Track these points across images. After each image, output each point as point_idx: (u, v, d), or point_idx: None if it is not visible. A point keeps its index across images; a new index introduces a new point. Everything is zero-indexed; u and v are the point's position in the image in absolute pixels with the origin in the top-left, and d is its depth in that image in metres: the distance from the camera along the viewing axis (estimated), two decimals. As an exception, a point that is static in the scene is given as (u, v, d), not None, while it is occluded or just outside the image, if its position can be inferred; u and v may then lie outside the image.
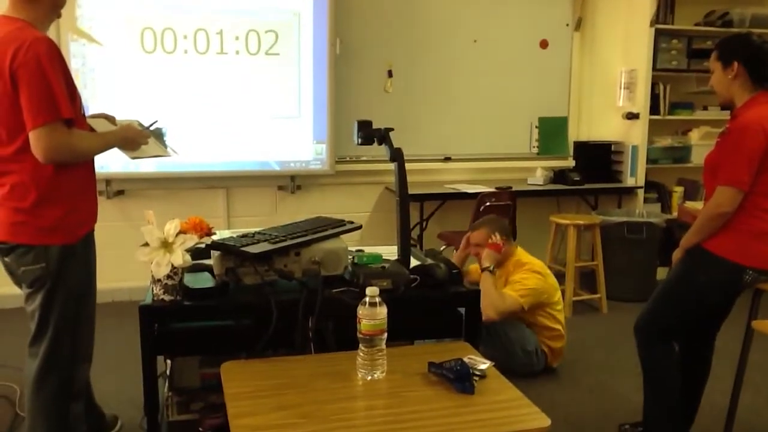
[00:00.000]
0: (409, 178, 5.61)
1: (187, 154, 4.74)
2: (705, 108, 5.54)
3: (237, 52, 4.76)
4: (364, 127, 2.12)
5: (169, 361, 2.06)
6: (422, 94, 5.32)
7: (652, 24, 5.14)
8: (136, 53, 4.59)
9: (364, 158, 5.17)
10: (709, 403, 2.89)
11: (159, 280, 1.80)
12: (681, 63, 5.34)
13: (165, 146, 2.59)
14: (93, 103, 4.54)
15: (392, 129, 2.11)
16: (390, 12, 5.19)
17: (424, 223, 5.10)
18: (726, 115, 5.56)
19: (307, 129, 4.97)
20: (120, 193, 4.86)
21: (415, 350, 1.84)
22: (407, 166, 5.43)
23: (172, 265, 1.74)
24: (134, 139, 2.42)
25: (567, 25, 5.59)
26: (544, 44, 5.53)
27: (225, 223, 5.07)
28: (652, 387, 2.75)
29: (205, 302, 1.85)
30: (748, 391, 2.87)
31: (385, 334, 1.65)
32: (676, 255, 2.66)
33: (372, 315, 1.62)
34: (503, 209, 4.72)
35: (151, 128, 2.55)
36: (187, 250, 1.80)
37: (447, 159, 5.44)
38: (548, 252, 4.89)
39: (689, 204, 5.22)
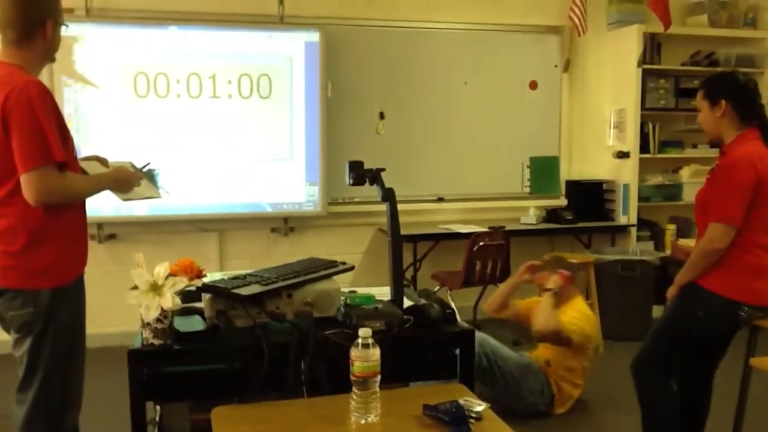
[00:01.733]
0: (403, 219, 5.59)
1: (179, 197, 4.75)
2: (694, 146, 5.59)
3: (230, 96, 4.79)
4: (356, 167, 2.12)
5: (158, 407, 2.01)
6: (414, 135, 5.36)
7: (639, 64, 5.22)
8: (129, 98, 4.63)
9: (357, 199, 5.18)
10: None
11: (148, 324, 1.77)
12: (669, 102, 5.41)
13: (157, 187, 2.58)
14: (86, 147, 4.54)
15: (384, 169, 2.12)
16: (381, 55, 5.25)
17: (418, 264, 5.08)
18: (716, 152, 5.60)
19: (299, 171, 4.98)
20: (112, 237, 4.84)
21: (409, 392, 1.81)
22: (400, 206, 5.44)
23: (162, 309, 1.72)
24: (127, 180, 2.41)
25: (555, 66, 5.66)
26: (533, 85, 5.60)
27: (217, 266, 5.05)
28: (651, 424, 2.71)
29: (196, 346, 1.82)
30: (748, 429, 2.83)
31: (379, 377, 1.62)
32: (671, 292, 2.65)
33: (365, 357, 1.59)
34: (497, 249, 4.71)
35: (144, 170, 2.55)
36: (177, 293, 1.78)
37: (440, 199, 5.45)
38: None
39: (682, 241, 5.22)
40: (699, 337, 2.58)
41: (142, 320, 1.79)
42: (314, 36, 4.88)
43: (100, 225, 4.75)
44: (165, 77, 4.68)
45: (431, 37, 5.34)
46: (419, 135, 5.37)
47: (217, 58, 4.74)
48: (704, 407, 2.79)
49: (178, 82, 4.70)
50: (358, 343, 1.60)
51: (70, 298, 2.15)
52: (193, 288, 1.94)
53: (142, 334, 1.82)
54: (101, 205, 4.58)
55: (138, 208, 4.65)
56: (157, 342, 1.79)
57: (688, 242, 4.93)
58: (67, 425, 2.23)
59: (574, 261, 4.70)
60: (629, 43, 5.25)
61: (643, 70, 5.25)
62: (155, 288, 1.72)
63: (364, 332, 1.60)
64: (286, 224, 5.10)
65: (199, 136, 4.76)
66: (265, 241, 5.16)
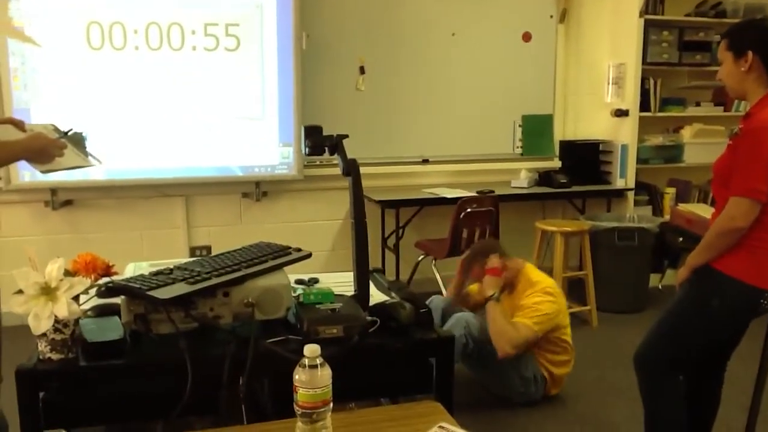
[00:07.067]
0: (384, 182, 5.20)
1: (142, 159, 4.36)
2: (698, 104, 5.23)
3: (193, 48, 4.35)
4: (313, 133, 1.75)
5: (64, 432, 1.68)
6: (397, 92, 4.95)
7: (641, 15, 4.82)
8: (81, 50, 4.18)
9: (336, 162, 4.76)
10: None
11: (44, 335, 1.41)
12: (672, 56, 5.01)
13: (85, 155, 2.19)
14: (35, 106, 4.15)
15: (346, 136, 1.75)
16: (361, 3, 4.81)
17: (401, 231, 4.73)
18: (720, 111, 5.25)
19: (272, 131, 4.58)
20: (68, 203, 4.45)
21: (371, 416, 1.47)
22: (381, 169, 4.98)
23: (56, 318, 1.36)
24: (44, 149, 2.01)
25: (551, 16, 5.24)
26: (527, 37, 5.18)
27: (185, 234, 4.68)
28: (656, 421, 2.40)
29: (108, 360, 1.46)
30: (762, 421, 2.53)
31: (330, 405, 1.27)
32: (682, 275, 2.31)
33: (312, 382, 1.24)
34: (485, 216, 4.36)
35: (69, 134, 2.15)
36: (89, 291, 1.42)
37: (425, 161, 5.07)
38: (533, 260, 4.54)
39: (682, 206, 4.89)
40: (714, 327, 2.25)
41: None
42: (287, -19, 4.43)
43: (54, 190, 4.36)
44: (121, 27, 4.23)
45: (416, -17, 4.90)
46: (403, 91, 4.97)
47: (178, 6, 4.28)
48: (714, 403, 2.49)
49: (136, 33, 4.25)
50: (303, 364, 1.25)
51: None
52: (103, 287, 1.56)
53: (38, 347, 1.46)
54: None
55: (95, 172, 4.25)
56: (56, 357, 1.43)
57: (690, 207, 4.61)
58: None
59: (567, 229, 4.38)
60: (631, -9, 4.84)
61: (645, 21, 4.84)
62: (47, 292, 1.36)
63: (310, 351, 1.25)
64: (258, 189, 4.72)
65: (160, 93, 4.34)
66: (236, 206, 4.78)
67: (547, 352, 3.19)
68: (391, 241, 4.75)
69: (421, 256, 4.63)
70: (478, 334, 3.08)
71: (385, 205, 4.58)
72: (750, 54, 2.17)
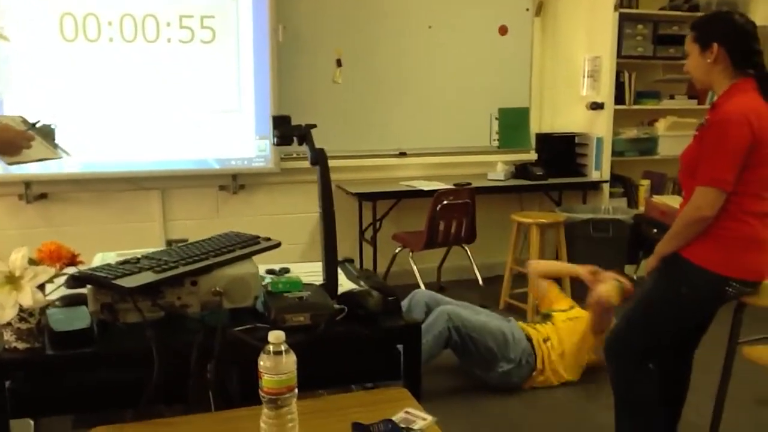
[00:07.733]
0: (362, 175, 5.21)
1: (117, 152, 4.33)
2: (672, 97, 5.29)
3: (168, 40, 4.33)
4: (281, 124, 1.75)
5: (32, 422, 1.67)
6: (374, 84, 4.96)
7: (616, 8, 4.86)
8: (54, 42, 4.14)
9: (313, 154, 4.77)
10: (687, 422, 2.59)
11: (9, 324, 1.41)
12: (647, 50, 5.06)
13: (54, 147, 2.18)
14: (8, 97, 4.10)
15: (314, 126, 1.75)
16: (338, -4, 4.81)
17: (378, 224, 4.74)
18: (694, 104, 5.32)
19: (248, 124, 4.57)
20: (42, 197, 4.41)
21: (337, 403, 1.48)
22: (359, 161, 5.02)
23: (21, 307, 1.36)
24: (11, 141, 2.01)
25: (527, 9, 5.27)
26: (503, 30, 5.21)
27: (161, 227, 4.66)
28: (630, 415, 2.44)
29: (75, 349, 1.46)
30: (729, 407, 2.58)
31: (295, 391, 1.28)
32: (650, 264, 2.35)
33: (276, 368, 1.25)
34: (462, 208, 4.39)
35: (37, 126, 2.14)
36: (54, 280, 1.41)
37: (402, 154, 5.09)
38: (510, 252, 4.57)
39: (657, 198, 4.95)
40: (682, 315, 2.29)
41: (2, 318, 1.42)
42: (262, -28, 4.41)
43: (27, 184, 4.31)
44: (95, 18, 4.19)
45: (393, -24, 4.90)
46: (380, 84, 4.98)
47: (153, -3, 4.26)
48: (683, 388, 2.53)
49: (110, 24, 4.22)
50: (268, 351, 1.26)
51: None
52: (69, 276, 1.56)
53: (3, 336, 1.46)
54: (26, 162, 4.16)
55: (71, 165, 4.21)
56: (21, 346, 1.43)
57: (664, 199, 4.68)
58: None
59: (543, 221, 4.42)
60: (606, -16, 4.87)
61: (620, 14, 4.88)
62: (12, 281, 1.36)
63: (275, 337, 1.26)
64: (235, 182, 4.71)
65: (135, 85, 4.31)
66: (213, 199, 4.77)
67: (556, 354, 3.31)
68: (368, 234, 4.76)
69: (398, 249, 4.65)
70: (461, 325, 3.14)
71: (362, 197, 4.59)
72: (715, 46, 2.21)
